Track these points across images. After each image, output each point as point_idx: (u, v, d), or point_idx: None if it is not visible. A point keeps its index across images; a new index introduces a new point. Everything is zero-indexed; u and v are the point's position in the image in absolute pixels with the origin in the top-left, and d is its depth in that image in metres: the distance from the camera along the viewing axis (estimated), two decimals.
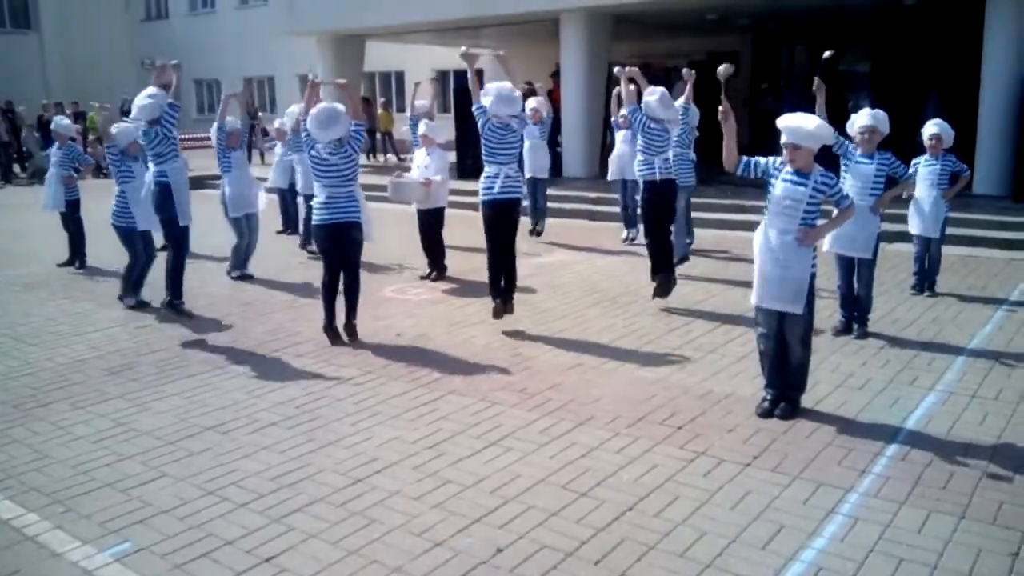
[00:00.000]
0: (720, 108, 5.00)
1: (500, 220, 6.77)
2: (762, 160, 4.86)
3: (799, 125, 4.69)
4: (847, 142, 6.34)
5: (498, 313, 6.87)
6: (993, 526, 3.70)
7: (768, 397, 5.06)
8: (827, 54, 6.47)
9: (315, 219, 6.48)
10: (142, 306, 7.93)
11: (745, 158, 4.90)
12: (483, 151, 6.76)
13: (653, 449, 4.58)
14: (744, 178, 5.02)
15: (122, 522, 3.91)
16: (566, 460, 4.47)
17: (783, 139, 4.74)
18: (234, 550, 3.66)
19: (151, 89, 7.10)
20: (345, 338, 6.62)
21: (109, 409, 5.37)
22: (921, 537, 3.63)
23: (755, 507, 3.91)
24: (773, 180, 4.84)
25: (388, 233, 11.02)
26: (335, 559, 3.56)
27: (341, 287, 6.61)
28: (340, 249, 6.48)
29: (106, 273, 9.39)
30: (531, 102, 10.36)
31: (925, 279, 7.71)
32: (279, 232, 11.87)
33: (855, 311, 6.53)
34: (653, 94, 7.26)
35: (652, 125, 7.24)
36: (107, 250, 9.69)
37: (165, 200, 7.05)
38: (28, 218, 13.53)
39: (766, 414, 4.98)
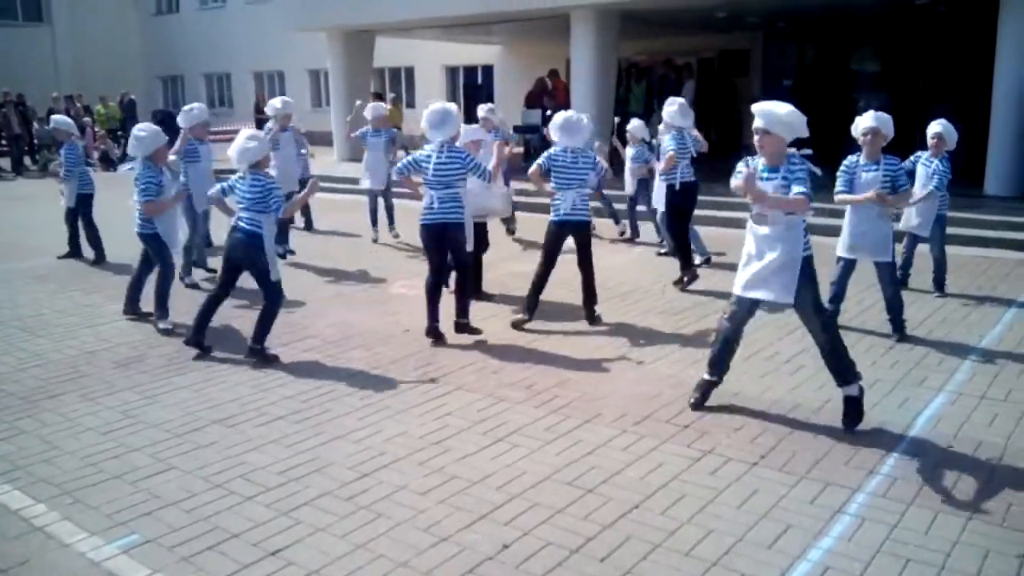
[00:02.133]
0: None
1: (574, 240, 6.88)
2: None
3: (771, 109, 4.57)
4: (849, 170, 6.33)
5: (519, 324, 6.87)
6: (1001, 527, 3.69)
7: (704, 378, 5.10)
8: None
9: (421, 220, 6.45)
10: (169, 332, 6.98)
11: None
12: (553, 181, 6.80)
13: (660, 447, 4.57)
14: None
15: (130, 514, 3.93)
16: (572, 457, 4.47)
17: (755, 124, 4.61)
18: (241, 543, 3.67)
19: (253, 131, 6.49)
20: (445, 336, 6.51)
21: (117, 401, 5.39)
22: (928, 538, 3.62)
23: (762, 506, 3.90)
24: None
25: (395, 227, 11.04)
26: (342, 553, 3.57)
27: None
28: (444, 250, 6.45)
29: (115, 267, 9.43)
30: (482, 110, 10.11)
31: (907, 274, 7.73)
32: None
33: (889, 317, 6.47)
34: (672, 104, 7.96)
35: (674, 134, 7.95)
36: (116, 245, 9.73)
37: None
38: (39, 210, 13.60)
39: (697, 405, 5.06)
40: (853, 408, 4.77)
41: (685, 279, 8.08)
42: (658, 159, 8.90)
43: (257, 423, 5.01)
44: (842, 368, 4.81)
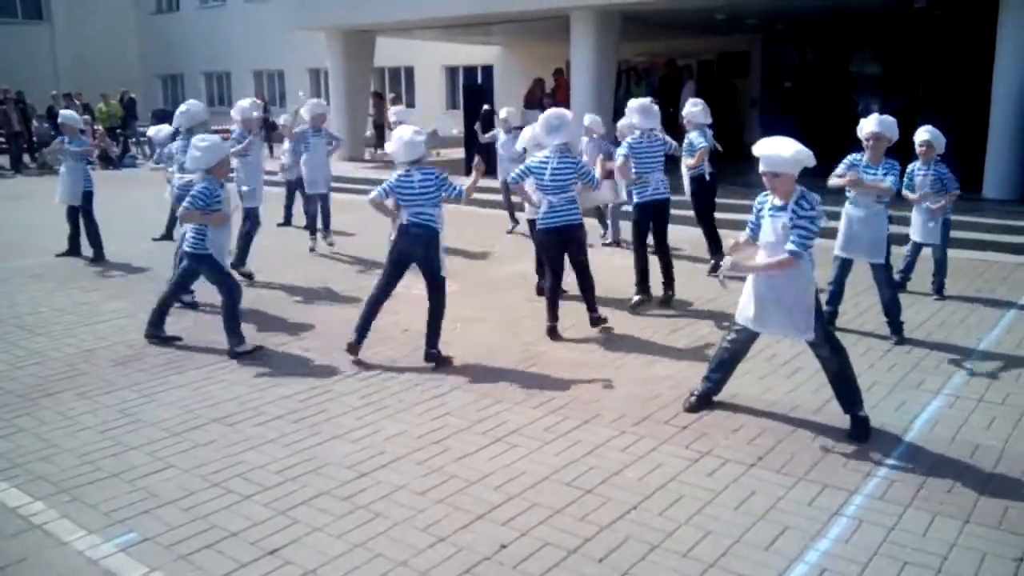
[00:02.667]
0: None
1: (653, 220, 7.32)
2: None
3: (776, 152, 4.46)
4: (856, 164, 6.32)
5: (642, 304, 7.27)
6: (998, 530, 3.70)
7: (700, 387, 5.13)
8: None
9: (540, 225, 6.56)
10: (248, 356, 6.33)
11: None
12: (636, 167, 7.16)
13: (658, 448, 4.58)
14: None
15: (128, 512, 3.93)
16: (571, 458, 4.47)
17: (761, 168, 4.54)
18: (239, 542, 3.67)
19: (415, 128, 6.07)
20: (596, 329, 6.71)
21: (116, 400, 5.39)
22: (926, 540, 3.62)
23: (759, 507, 3.91)
24: (761, 220, 4.70)
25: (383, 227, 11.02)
26: (339, 552, 3.58)
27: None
28: (565, 251, 6.58)
29: (113, 265, 9.44)
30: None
31: (907, 278, 7.75)
32: (280, 225, 11.88)
33: (887, 320, 6.47)
34: (696, 105, 8.28)
35: (702, 131, 8.32)
36: (116, 244, 9.73)
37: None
38: (38, 208, 13.59)
39: (692, 409, 5.07)
40: (863, 427, 4.69)
41: (715, 262, 8.41)
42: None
43: (255, 422, 5.01)
44: (850, 392, 4.75)
